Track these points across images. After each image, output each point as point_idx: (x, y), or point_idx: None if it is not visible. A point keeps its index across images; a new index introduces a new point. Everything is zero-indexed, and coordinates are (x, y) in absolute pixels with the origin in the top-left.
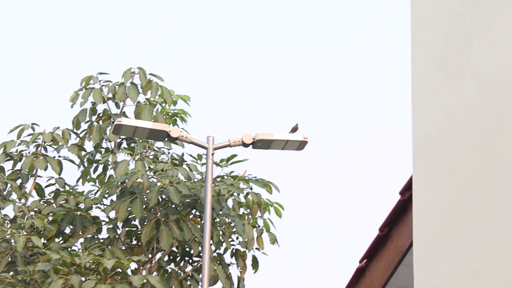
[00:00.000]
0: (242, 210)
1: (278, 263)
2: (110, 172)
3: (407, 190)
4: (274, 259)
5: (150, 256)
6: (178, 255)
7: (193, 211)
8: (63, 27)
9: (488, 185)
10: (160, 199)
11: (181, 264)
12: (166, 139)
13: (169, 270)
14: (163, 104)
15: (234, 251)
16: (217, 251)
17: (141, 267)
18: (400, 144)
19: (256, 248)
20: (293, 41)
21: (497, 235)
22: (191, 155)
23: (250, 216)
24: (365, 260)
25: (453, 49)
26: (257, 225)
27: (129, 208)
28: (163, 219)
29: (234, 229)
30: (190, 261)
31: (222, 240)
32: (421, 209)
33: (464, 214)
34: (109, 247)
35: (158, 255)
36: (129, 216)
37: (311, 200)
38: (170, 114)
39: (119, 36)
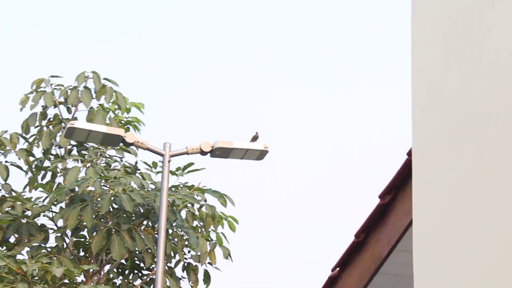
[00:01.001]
0: (195, 223)
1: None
2: (59, 180)
3: (387, 193)
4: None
5: (98, 268)
6: (127, 268)
7: (145, 221)
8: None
9: (491, 180)
10: (112, 209)
11: (130, 277)
12: (121, 145)
13: (118, 283)
14: (117, 112)
15: (186, 264)
16: (168, 264)
17: (89, 279)
18: (400, 144)
19: (208, 263)
20: (263, 47)
21: (501, 232)
22: (145, 163)
23: (203, 229)
24: (338, 269)
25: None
26: (209, 239)
27: (79, 216)
28: (114, 229)
29: (187, 242)
30: (140, 274)
31: (173, 253)
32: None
33: (466, 211)
34: (57, 256)
35: (107, 267)
36: (78, 225)
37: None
38: (123, 122)
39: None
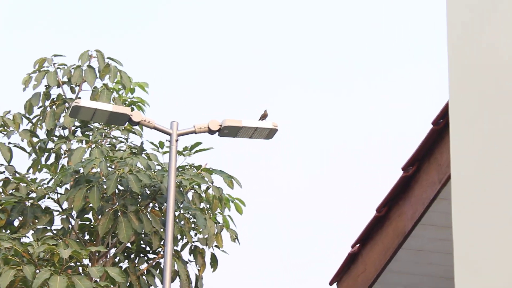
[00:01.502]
0: (202, 205)
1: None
2: (63, 161)
3: (410, 165)
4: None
5: (106, 249)
6: (132, 252)
7: (152, 203)
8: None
9: None
10: (117, 190)
11: (136, 261)
12: (126, 125)
13: (124, 266)
14: (120, 92)
15: (193, 248)
16: (175, 247)
17: (95, 262)
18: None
19: (215, 246)
20: (275, 34)
21: None
22: (152, 143)
23: (210, 212)
24: (358, 245)
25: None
26: (216, 221)
27: (85, 198)
28: (121, 210)
29: (193, 225)
30: (146, 258)
31: (180, 236)
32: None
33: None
34: (63, 238)
35: (113, 251)
36: (84, 207)
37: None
38: (127, 102)
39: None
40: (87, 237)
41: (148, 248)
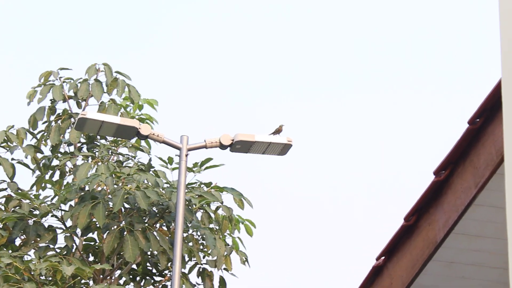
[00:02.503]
0: (211, 226)
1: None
2: (68, 179)
3: (443, 169)
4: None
5: (111, 268)
6: (138, 274)
7: (160, 222)
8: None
9: None
10: (123, 208)
11: (142, 283)
12: (133, 142)
13: None
14: (128, 109)
15: (201, 270)
16: (182, 270)
17: (100, 282)
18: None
19: (224, 269)
20: (281, 43)
21: None
22: (160, 158)
23: (219, 232)
24: (383, 257)
25: None
26: (225, 243)
27: (90, 215)
28: (127, 228)
29: (201, 247)
30: (152, 280)
31: (188, 258)
32: None
33: None
34: (66, 257)
35: (118, 272)
36: (89, 225)
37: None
38: (135, 119)
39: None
40: (91, 258)
41: (154, 270)
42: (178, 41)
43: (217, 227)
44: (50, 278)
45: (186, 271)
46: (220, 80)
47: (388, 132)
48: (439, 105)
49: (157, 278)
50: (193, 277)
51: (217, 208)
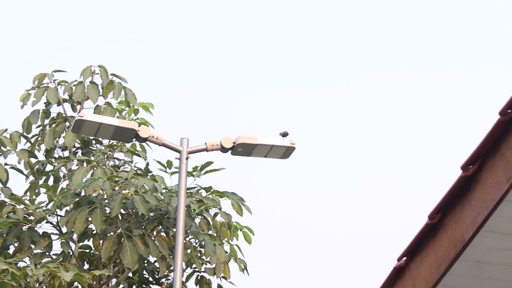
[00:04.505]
0: (210, 232)
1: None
2: (63, 184)
3: (471, 164)
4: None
5: (110, 274)
6: (134, 283)
7: (158, 228)
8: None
9: None
10: (120, 214)
11: None
12: (129, 147)
13: None
14: (123, 113)
15: (199, 278)
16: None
17: None
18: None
19: (222, 277)
20: (283, 42)
21: None
22: (159, 162)
23: (218, 239)
24: (405, 258)
25: None
26: (224, 251)
27: (87, 220)
28: (125, 234)
29: (199, 254)
30: None
31: (185, 265)
32: None
33: None
34: (63, 263)
35: (114, 280)
36: (86, 231)
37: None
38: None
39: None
40: (86, 266)
41: (151, 279)
42: (178, 41)
43: (216, 234)
44: (45, 287)
45: (184, 279)
46: (220, 80)
47: (389, 132)
48: (440, 102)
49: (154, 287)
50: (191, 286)
51: (215, 214)
